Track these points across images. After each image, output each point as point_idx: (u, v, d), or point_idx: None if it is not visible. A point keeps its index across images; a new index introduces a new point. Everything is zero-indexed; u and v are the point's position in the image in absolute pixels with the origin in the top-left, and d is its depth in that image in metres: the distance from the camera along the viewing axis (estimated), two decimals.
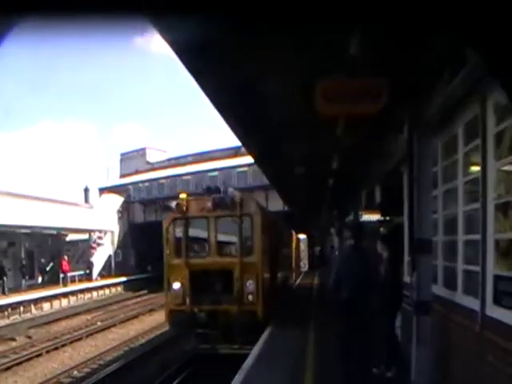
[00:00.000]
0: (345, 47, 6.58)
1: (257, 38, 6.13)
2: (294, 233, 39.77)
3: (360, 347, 8.56)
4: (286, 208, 38.93)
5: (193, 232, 17.47)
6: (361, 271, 8.57)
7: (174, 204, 17.41)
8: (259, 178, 43.81)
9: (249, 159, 26.39)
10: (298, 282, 35.84)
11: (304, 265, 51.38)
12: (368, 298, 8.56)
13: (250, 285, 15.90)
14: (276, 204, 39.44)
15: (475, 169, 7.18)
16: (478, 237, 6.67)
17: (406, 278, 10.01)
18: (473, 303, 6.77)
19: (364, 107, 7.07)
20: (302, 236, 50.67)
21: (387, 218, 18.19)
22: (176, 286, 16.52)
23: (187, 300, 16.34)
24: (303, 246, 52.91)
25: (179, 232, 17.10)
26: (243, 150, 26.93)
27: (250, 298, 15.91)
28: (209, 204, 16.67)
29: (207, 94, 9.52)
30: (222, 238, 17.51)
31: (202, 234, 17.37)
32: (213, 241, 16.96)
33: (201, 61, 7.78)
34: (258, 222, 16.66)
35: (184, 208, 16.86)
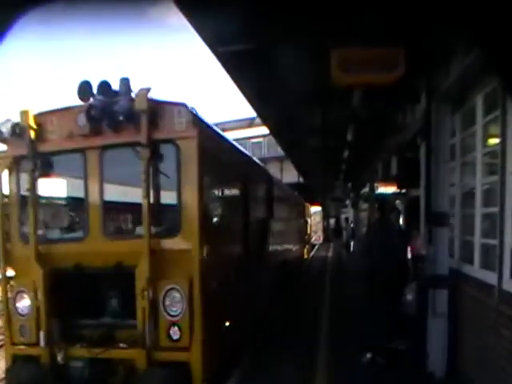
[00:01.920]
0: (361, 15, 6.41)
1: (273, 3, 6.03)
2: (307, 205, 37.05)
3: (377, 317, 8.62)
4: (301, 180, 38.78)
5: (52, 187, 8.83)
6: (385, 243, 8.62)
7: (5, 126, 7.85)
8: (274, 149, 43.75)
9: (263, 130, 26.19)
10: (311, 255, 34.97)
11: (319, 237, 51.39)
12: (390, 268, 8.58)
13: (175, 302, 7.28)
14: (291, 175, 39.32)
15: (494, 141, 7.02)
16: (496, 210, 6.56)
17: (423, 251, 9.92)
18: (490, 277, 6.69)
19: (381, 77, 6.91)
20: (317, 208, 50.60)
21: (403, 191, 18.04)
22: (22, 303, 7.93)
23: (41, 336, 7.69)
24: (318, 218, 52.89)
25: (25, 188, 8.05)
26: (258, 120, 26.73)
27: (176, 333, 7.25)
28: (81, 120, 7.70)
29: (224, 63, 9.39)
30: (114, 196, 8.56)
31: (74, 189, 8.75)
32: (95, 205, 7.90)
33: (217, 29, 7.65)
34: (194, 156, 7.34)
35: (31, 134, 7.88)
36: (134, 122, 7.23)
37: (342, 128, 14.83)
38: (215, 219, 8.83)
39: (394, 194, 19.50)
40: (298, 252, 25.61)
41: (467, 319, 7.56)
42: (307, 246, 32.89)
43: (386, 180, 19.32)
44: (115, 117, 7.27)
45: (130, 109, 7.14)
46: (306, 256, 30.96)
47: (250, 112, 16.01)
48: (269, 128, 17.87)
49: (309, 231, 35.66)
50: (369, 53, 6.83)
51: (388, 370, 8.04)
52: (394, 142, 14.76)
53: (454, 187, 8.73)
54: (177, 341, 7.12)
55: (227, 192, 9.74)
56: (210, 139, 8.05)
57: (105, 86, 7.43)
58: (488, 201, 7.27)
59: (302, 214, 30.75)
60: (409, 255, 12.30)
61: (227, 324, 8.65)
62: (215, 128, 8.85)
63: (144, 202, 7.19)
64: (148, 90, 7.08)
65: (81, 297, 7.62)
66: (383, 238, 8.75)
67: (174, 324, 7.13)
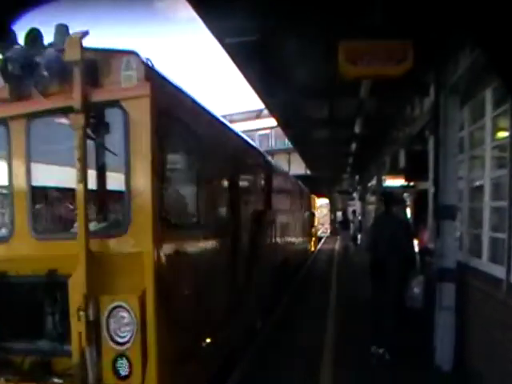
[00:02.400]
0: (369, 8, 6.38)
1: None
2: (314, 197, 35.79)
3: (386, 308, 8.60)
4: (309, 172, 38.71)
5: None
6: (390, 236, 8.59)
7: None
8: (282, 141, 43.71)
9: (271, 122, 26.13)
10: (318, 248, 34.72)
11: (326, 230, 51.36)
12: (396, 261, 8.55)
13: (123, 325, 5.07)
14: (298, 167, 39.24)
15: (503, 134, 6.97)
16: (505, 204, 6.51)
17: (431, 245, 9.89)
18: (498, 271, 6.65)
19: (388, 69, 6.86)
20: (324, 200, 50.58)
21: (411, 184, 17.99)
22: None
23: None
24: (325, 211, 52.85)
25: None
26: (265, 112, 26.66)
27: (124, 367, 5.02)
28: None
29: (231, 54, 9.36)
30: (47, 180, 6.71)
31: None
32: (21, 192, 5.72)
33: (224, 20, 7.62)
34: (147, 123, 5.13)
35: None
36: (66, 78, 4.99)
37: (349, 120, 14.80)
38: (182, 211, 6.45)
39: (402, 187, 19.43)
40: (302, 246, 22.80)
41: (475, 313, 7.53)
42: (313, 239, 32.13)
43: (394, 173, 19.27)
44: (39, 72, 5.10)
45: (57, 60, 4.96)
46: (312, 249, 29.74)
47: (258, 104, 15.93)
48: (276, 119, 17.84)
49: (315, 224, 35.35)
50: (376, 45, 6.78)
51: (395, 363, 8.02)
52: (402, 134, 14.73)
53: (462, 180, 8.68)
54: (125, 378, 4.92)
55: (204, 176, 6.68)
56: (172, 101, 5.79)
57: (34, 35, 5.22)
58: (497, 194, 7.22)
59: (308, 206, 27.80)
60: (416, 249, 12.29)
61: (203, 344, 6.51)
62: (183, 89, 6.32)
63: (79, 187, 4.94)
64: (84, 34, 4.86)
65: (9, 313, 5.46)
66: (388, 231, 8.71)
67: (121, 355, 4.94)
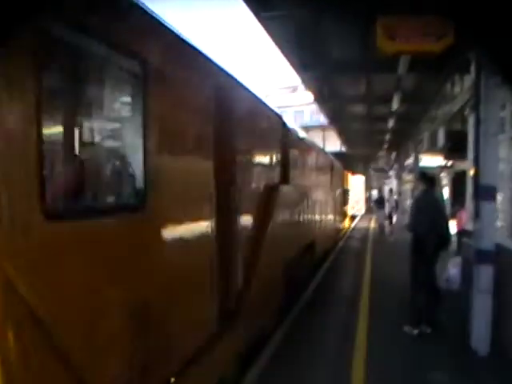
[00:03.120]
0: None
1: None
2: (347, 173, 33.77)
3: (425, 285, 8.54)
4: (344, 149, 38.40)
5: None
6: (430, 215, 8.49)
7: None
8: (317, 117, 43.38)
9: (306, 98, 25.89)
10: (353, 226, 34.17)
11: (361, 208, 51.04)
12: (435, 240, 8.46)
13: None
14: (333, 144, 38.92)
15: None
16: None
17: (469, 226, 9.70)
18: None
19: (428, 45, 6.65)
20: (359, 178, 50.19)
21: (448, 164, 17.67)
22: None
23: None
24: (360, 189, 52.48)
25: None
26: (301, 87, 26.40)
27: None
28: None
29: (267, 28, 9.24)
30: None
31: None
32: None
33: None
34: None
35: None
36: None
37: (387, 96, 14.56)
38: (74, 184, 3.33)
39: (440, 167, 19.11)
40: (333, 225, 19.96)
41: None
42: (347, 218, 31.25)
43: (432, 151, 18.94)
44: None
45: None
46: (345, 229, 29.00)
47: (293, 79, 15.70)
48: (312, 95, 17.64)
49: (349, 202, 34.79)
50: (416, 21, 6.57)
51: (432, 343, 7.93)
52: (441, 112, 14.42)
53: (502, 161, 8.44)
54: None
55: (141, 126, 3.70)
56: None
57: None
58: None
59: (340, 183, 24.65)
60: (454, 229, 12.08)
61: None
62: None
63: None
64: None
65: None
66: (428, 210, 8.59)
67: None
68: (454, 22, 6.36)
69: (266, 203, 7.52)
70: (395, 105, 15.12)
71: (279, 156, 8.83)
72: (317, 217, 14.13)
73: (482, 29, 7.23)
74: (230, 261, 5.82)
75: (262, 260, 6.99)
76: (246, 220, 6.63)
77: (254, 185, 7.21)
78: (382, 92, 14.35)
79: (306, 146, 12.54)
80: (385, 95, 14.52)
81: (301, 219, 11.14)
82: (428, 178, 9.25)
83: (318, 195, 14.48)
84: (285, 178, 9.12)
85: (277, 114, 9.09)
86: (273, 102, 10.63)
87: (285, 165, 9.18)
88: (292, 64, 12.10)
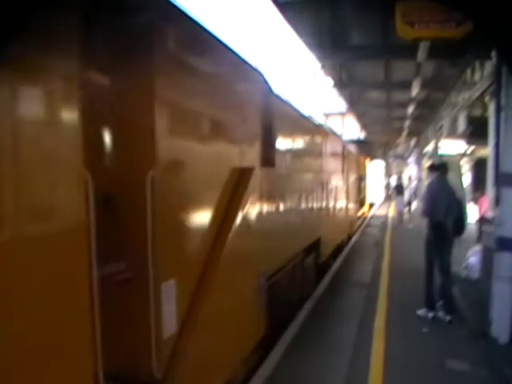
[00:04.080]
0: None
1: None
2: (363, 158, 30.73)
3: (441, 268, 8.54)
4: (363, 135, 38.17)
5: None
6: (445, 200, 8.46)
7: None
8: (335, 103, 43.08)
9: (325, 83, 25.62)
10: (371, 214, 33.61)
11: (379, 195, 50.81)
12: (450, 225, 8.43)
13: None
14: (352, 130, 38.68)
15: None
16: None
17: (489, 213, 9.60)
18: None
19: (448, 31, 6.57)
20: (378, 164, 49.93)
21: (469, 150, 17.51)
22: None
23: None
24: (379, 176, 52.22)
25: None
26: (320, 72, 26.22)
27: None
28: None
29: (284, 13, 9.20)
30: None
31: None
32: None
33: None
34: None
35: None
36: None
37: (406, 83, 14.43)
38: None
39: (460, 154, 18.94)
40: (347, 216, 17.12)
41: None
42: (365, 206, 29.85)
43: (452, 137, 18.75)
44: None
45: None
46: (362, 216, 27.63)
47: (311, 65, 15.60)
48: (331, 80, 17.54)
49: (367, 189, 34.08)
50: (435, 7, 6.49)
51: (451, 330, 7.91)
52: (461, 98, 14.25)
53: None
54: None
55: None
56: None
57: None
58: None
59: (356, 169, 21.36)
60: (475, 217, 11.98)
61: None
62: None
63: None
64: None
65: None
66: (442, 195, 8.57)
67: None
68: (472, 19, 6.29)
69: (234, 194, 4.83)
70: (415, 91, 14.99)
71: (258, 129, 5.72)
72: (322, 210, 11.11)
73: (499, 25, 7.13)
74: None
75: (217, 282, 4.21)
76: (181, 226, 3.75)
77: (208, 168, 4.22)
78: (401, 78, 14.25)
79: (304, 122, 9.16)
80: (404, 81, 14.40)
81: (295, 215, 8.07)
82: (440, 165, 9.21)
83: (324, 183, 11.21)
84: (267, 160, 6.03)
85: (256, 70, 5.75)
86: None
87: (267, 142, 6.11)
88: (311, 50, 12.04)
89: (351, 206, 18.44)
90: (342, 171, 15.11)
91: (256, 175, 5.38)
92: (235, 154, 4.95)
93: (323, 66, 14.74)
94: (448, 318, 8.17)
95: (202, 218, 4.19)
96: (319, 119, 11.82)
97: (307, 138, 9.38)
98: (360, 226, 23.74)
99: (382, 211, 34.45)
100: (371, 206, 36.98)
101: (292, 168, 7.70)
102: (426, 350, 7.14)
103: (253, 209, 5.33)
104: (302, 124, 8.93)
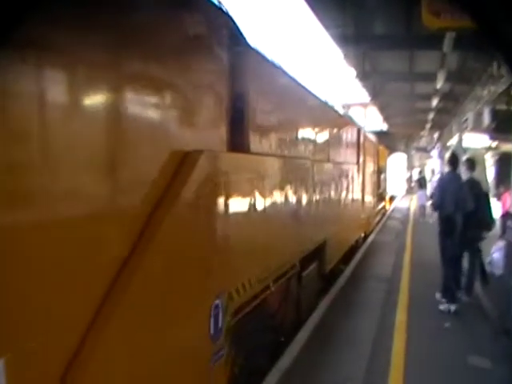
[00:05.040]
0: None
1: None
2: (383, 149, 27.57)
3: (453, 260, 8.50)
4: (385, 128, 37.86)
5: None
6: (454, 194, 8.44)
7: None
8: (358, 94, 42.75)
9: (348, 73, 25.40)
10: (392, 207, 33.12)
11: (401, 188, 50.38)
12: (460, 218, 8.39)
13: None
14: (374, 122, 38.35)
15: None
16: None
17: None
18: None
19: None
20: (400, 157, 49.50)
21: (493, 144, 17.23)
22: None
23: None
24: (401, 168, 51.77)
25: None
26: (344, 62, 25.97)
27: None
28: None
29: (310, 4, 9.08)
30: None
31: None
32: None
33: None
34: None
35: None
36: None
37: (431, 74, 14.24)
38: None
39: (484, 148, 18.65)
40: (362, 211, 14.88)
41: None
42: (385, 200, 28.40)
43: (477, 131, 18.47)
44: None
45: None
46: (382, 211, 25.97)
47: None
48: (355, 70, 17.36)
49: (388, 182, 33.31)
50: None
51: (473, 326, 7.79)
52: (486, 91, 14.01)
53: None
54: None
55: None
56: None
57: None
58: None
59: (375, 161, 19.12)
60: (498, 212, 11.76)
61: None
62: None
63: None
64: None
65: None
66: (452, 189, 8.53)
67: None
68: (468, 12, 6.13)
69: (168, 187, 3.10)
70: (439, 83, 14.78)
71: (222, 98, 4.01)
72: (328, 206, 9.00)
73: None
74: None
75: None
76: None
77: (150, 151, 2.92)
78: (425, 69, 14.04)
79: (300, 94, 6.77)
80: (429, 73, 14.20)
81: (284, 216, 5.77)
82: (453, 158, 9.19)
83: (330, 174, 9.17)
84: (237, 142, 4.29)
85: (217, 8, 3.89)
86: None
87: (238, 118, 4.32)
88: (334, 39, 11.89)
89: (368, 199, 16.45)
90: (357, 161, 13.19)
91: (213, 161, 3.67)
92: (174, 132, 3.27)
93: (346, 56, 14.57)
94: (453, 307, 8.09)
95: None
96: (329, 100, 9.35)
97: (304, 116, 7.09)
98: (379, 221, 22.02)
99: (403, 204, 34.07)
100: (392, 199, 36.40)
101: (282, 153, 5.61)
102: (447, 346, 7.05)
103: (201, 207, 3.46)
104: (296, 97, 6.59)
